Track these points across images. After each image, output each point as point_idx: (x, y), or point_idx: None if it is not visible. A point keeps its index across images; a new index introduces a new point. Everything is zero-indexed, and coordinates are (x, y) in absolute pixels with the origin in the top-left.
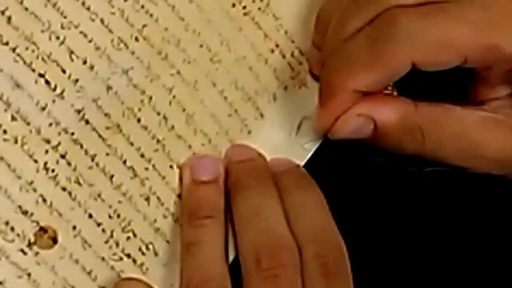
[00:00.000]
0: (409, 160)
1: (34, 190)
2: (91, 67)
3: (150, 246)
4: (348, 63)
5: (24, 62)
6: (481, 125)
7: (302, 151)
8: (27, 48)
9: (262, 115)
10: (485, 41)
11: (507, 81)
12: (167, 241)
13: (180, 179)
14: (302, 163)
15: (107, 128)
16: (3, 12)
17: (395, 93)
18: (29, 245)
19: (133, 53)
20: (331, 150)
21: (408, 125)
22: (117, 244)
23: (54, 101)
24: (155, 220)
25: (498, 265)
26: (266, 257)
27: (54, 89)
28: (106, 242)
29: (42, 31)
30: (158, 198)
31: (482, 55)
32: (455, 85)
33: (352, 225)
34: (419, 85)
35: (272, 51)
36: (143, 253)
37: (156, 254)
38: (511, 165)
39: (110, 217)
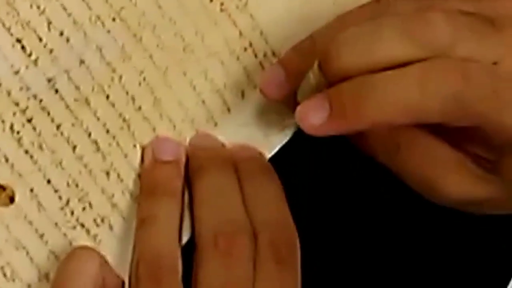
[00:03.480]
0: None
1: None
2: (67, 39)
3: (106, 220)
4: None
5: (4, 25)
6: (454, 166)
7: (268, 147)
8: (8, 13)
9: (229, 110)
10: None
11: None
12: (123, 217)
13: (142, 159)
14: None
15: (76, 100)
16: None
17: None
18: None
19: (109, 31)
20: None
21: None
22: (72, 213)
23: (27, 66)
24: (113, 195)
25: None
26: (223, 238)
27: (29, 55)
28: (62, 209)
29: None
30: (118, 174)
31: None
32: None
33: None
34: None
35: (245, 49)
36: (97, 225)
37: (111, 228)
38: (466, 206)
39: (68, 185)
